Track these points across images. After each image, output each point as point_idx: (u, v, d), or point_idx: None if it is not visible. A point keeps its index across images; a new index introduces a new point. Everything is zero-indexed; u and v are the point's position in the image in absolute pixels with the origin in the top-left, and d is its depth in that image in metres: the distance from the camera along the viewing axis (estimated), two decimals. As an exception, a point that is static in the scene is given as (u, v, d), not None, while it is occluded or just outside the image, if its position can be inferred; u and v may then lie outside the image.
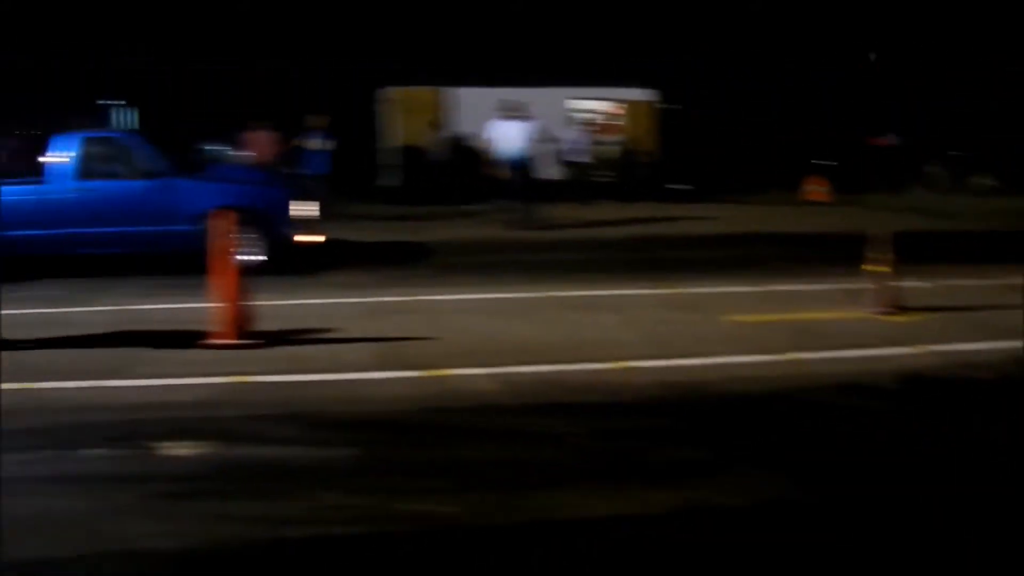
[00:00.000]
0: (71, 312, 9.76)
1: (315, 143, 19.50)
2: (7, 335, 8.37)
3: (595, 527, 4.51)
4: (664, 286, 10.51)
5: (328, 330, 8.58)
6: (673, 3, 28.21)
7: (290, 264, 11.83)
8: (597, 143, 24.51)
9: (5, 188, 12.41)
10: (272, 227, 11.87)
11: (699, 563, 4.17)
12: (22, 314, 9.43)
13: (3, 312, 9.31)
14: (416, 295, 10.26)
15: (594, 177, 23.29)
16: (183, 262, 11.14)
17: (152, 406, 6.44)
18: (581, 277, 11.26)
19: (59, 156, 12.09)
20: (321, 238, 12.75)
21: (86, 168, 12.17)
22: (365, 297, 10.24)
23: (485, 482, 5.04)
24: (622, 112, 25.35)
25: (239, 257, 9.91)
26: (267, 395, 6.70)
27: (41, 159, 12.33)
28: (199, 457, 5.48)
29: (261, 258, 11.54)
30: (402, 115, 23.94)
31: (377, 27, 27.53)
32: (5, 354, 7.78)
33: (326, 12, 27.92)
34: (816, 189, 22.93)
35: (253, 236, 11.41)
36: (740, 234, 15.76)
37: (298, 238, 12.34)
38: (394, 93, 24.22)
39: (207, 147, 30.44)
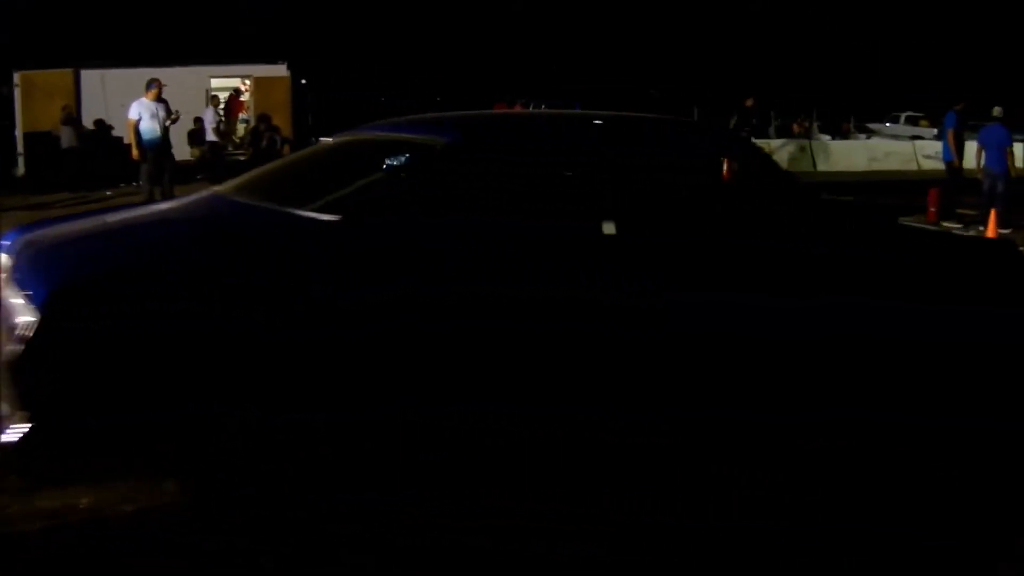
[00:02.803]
0: None
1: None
2: None
3: None
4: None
5: None
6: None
7: None
8: (229, 121, 24.88)
9: None
10: None
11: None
12: None
13: None
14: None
15: (229, 156, 23.37)
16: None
17: None
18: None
19: None
20: None
21: None
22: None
23: None
24: (251, 88, 25.36)
25: None
26: None
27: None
28: None
29: None
30: (33, 99, 23.33)
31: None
32: None
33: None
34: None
35: None
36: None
37: None
38: (24, 76, 23.63)
39: None
